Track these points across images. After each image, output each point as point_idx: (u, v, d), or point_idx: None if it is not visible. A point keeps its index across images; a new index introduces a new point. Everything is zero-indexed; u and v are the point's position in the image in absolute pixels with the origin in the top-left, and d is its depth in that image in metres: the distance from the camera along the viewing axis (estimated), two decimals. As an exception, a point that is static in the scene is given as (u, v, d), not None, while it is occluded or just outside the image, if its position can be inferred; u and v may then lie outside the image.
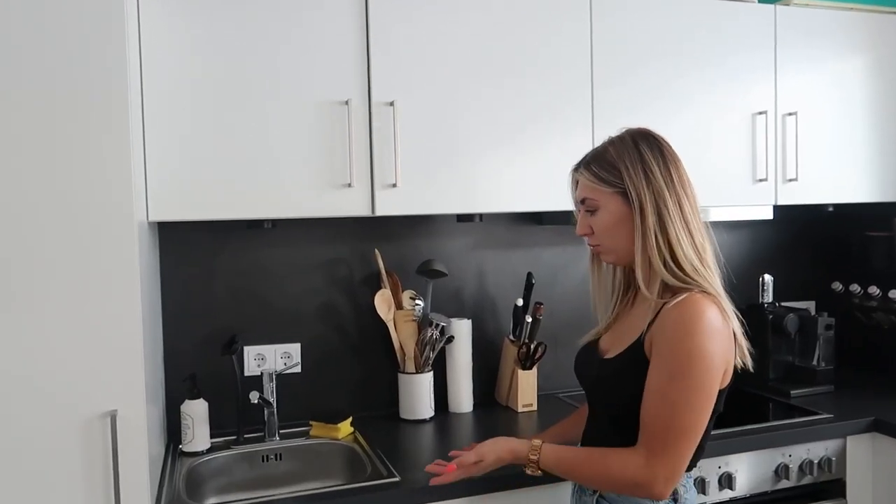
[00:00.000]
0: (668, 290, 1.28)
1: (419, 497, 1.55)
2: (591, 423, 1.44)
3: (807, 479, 1.91)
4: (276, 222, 1.83)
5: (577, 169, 1.38)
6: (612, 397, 1.35)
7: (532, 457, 1.34)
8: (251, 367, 2.00)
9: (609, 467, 1.26)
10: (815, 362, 2.25)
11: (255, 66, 1.66)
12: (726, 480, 1.81)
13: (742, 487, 1.84)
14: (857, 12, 2.22)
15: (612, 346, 1.37)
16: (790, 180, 2.15)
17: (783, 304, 2.39)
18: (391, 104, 1.74)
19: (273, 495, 1.54)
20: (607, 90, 1.94)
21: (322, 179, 1.72)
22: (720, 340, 1.23)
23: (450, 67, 1.80)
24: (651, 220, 1.27)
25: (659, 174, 1.28)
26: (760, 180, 2.12)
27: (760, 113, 2.10)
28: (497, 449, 1.42)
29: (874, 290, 2.41)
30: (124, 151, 1.34)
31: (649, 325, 1.27)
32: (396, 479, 1.60)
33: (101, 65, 1.32)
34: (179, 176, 1.62)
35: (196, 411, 1.82)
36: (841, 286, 2.52)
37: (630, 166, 1.29)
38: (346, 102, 1.71)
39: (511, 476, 1.59)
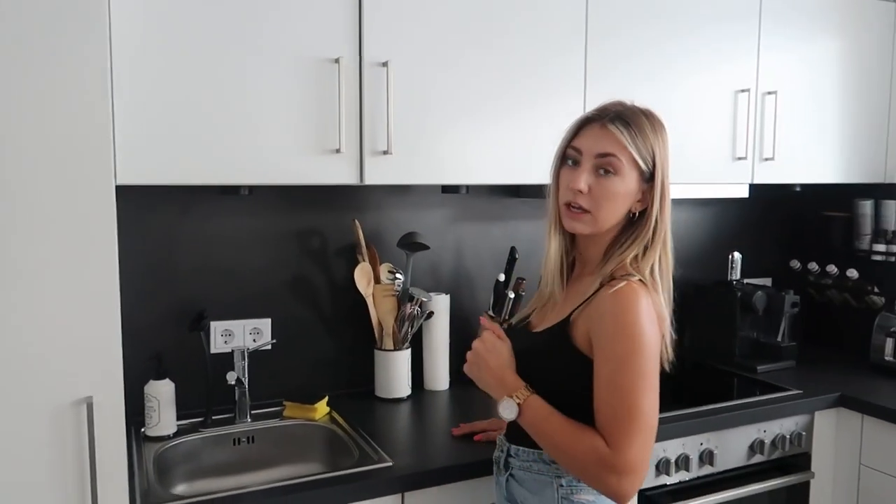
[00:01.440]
0: (609, 276, 1.23)
1: (417, 482, 1.48)
2: None
3: (777, 454, 1.96)
4: (252, 189, 1.68)
5: (610, 120, 1.22)
6: (536, 372, 1.28)
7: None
8: (218, 344, 1.86)
9: (580, 443, 1.17)
10: (779, 339, 2.31)
11: (235, 15, 1.50)
12: (707, 457, 1.83)
13: (721, 463, 1.87)
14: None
15: (543, 322, 1.32)
16: (767, 159, 2.16)
17: (745, 281, 2.44)
18: (384, 65, 1.62)
19: (259, 484, 1.43)
20: (601, 75, 1.88)
21: (308, 144, 1.58)
22: (654, 324, 1.19)
23: (448, 27, 1.69)
24: (655, 210, 1.23)
25: (668, 166, 1.24)
26: (740, 158, 2.12)
27: (743, 91, 2.10)
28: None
29: (832, 268, 2.49)
30: (103, 106, 1.18)
31: (582, 304, 1.23)
32: (389, 463, 1.52)
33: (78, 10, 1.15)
34: (150, 137, 1.45)
35: (162, 393, 1.68)
36: (799, 264, 2.59)
37: (661, 148, 1.23)
38: (337, 60, 1.58)
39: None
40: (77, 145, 1.18)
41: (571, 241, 1.34)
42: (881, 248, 2.39)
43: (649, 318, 1.17)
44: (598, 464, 1.15)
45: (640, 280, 1.20)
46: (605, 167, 1.22)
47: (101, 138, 1.19)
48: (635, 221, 1.26)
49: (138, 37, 1.42)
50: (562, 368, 1.25)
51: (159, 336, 1.79)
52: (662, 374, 1.23)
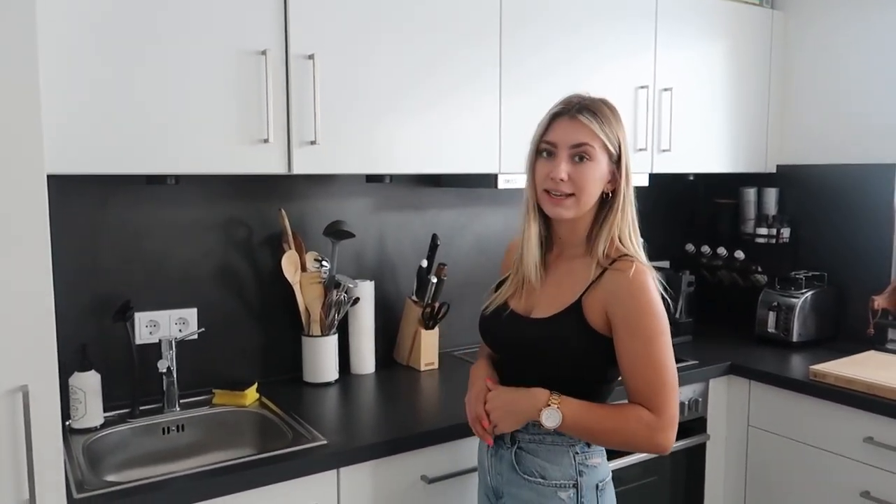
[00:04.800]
0: (606, 258, 1.33)
1: (351, 457, 1.55)
2: (516, 384, 1.39)
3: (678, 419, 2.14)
4: (178, 178, 1.69)
5: (579, 111, 1.32)
6: (548, 357, 1.35)
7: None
8: (143, 335, 1.86)
9: (629, 421, 1.29)
10: (677, 315, 2.51)
11: (163, 6, 1.51)
12: (617, 424, 1.99)
13: (628, 429, 2.03)
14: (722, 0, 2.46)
15: (541, 307, 1.38)
16: (664, 151, 2.35)
17: (647, 263, 2.63)
18: (310, 57, 1.67)
19: (193, 468, 1.46)
20: (515, 62, 2.00)
21: (237, 134, 1.62)
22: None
23: (371, 20, 1.76)
24: (631, 189, 1.35)
25: (627, 149, 1.36)
26: (640, 150, 2.29)
27: (642, 87, 2.27)
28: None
29: (722, 250, 2.72)
30: (31, 96, 1.18)
31: (588, 287, 1.32)
32: (324, 441, 1.58)
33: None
34: (78, 126, 1.45)
35: (88, 384, 1.67)
36: (693, 247, 2.82)
37: (621, 132, 1.34)
38: (264, 53, 1.61)
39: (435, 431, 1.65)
40: (6, 134, 1.17)
41: (545, 226, 1.42)
42: (763, 231, 2.64)
43: (658, 295, 1.31)
44: (648, 431, 1.28)
45: (640, 258, 1.32)
46: (580, 155, 1.32)
47: (30, 127, 1.19)
48: (608, 202, 1.36)
49: (64, 26, 1.42)
50: (581, 349, 1.33)
51: (83, 327, 1.77)
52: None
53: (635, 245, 1.35)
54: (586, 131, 1.31)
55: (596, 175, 1.32)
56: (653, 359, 1.29)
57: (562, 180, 1.31)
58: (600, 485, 1.37)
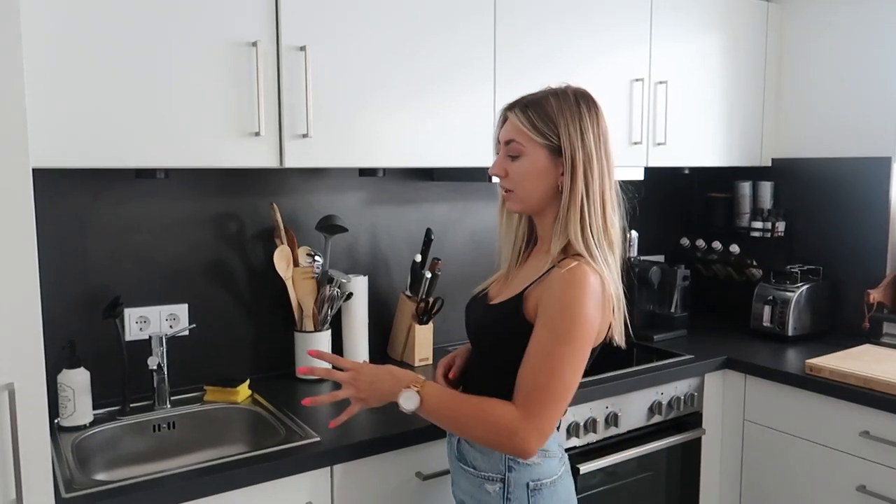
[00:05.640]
0: (562, 253, 1.29)
1: (345, 454, 1.53)
2: (473, 367, 1.45)
3: (673, 414, 2.14)
4: (168, 172, 1.66)
5: (511, 108, 1.33)
6: (490, 342, 1.36)
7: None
8: (133, 331, 1.83)
9: (486, 413, 1.23)
10: (672, 310, 2.50)
11: (151, -4, 1.49)
12: (612, 419, 1.98)
13: (624, 425, 2.02)
14: (717, -8, 2.45)
15: (500, 294, 1.38)
16: (659, 144, 2.33)
17: (641, 258, 2.62)
18: (302, 49, 1.64)
19: (184, 466, 1.44)
20: (509, 51, 1.97)
21: (228, 127, 1.58)
22: (598, 307, 1.25)
23: (361, 9, 1.73)
24: (580, 182, 1.27)
25: (591, 140, 1.28)
26: (635, 143, 2.28)
27: (637, 80, 2.25)
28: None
29: (717, 244, 2.71)
30: (16, 88, 1.15)
31: (535, 280, 1.29)
32: (316, 438, 1.56)
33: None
34: (65, 119, 1.41)
35: (77, 381, 1.64)
36: (688, 241, 2.81)
37: (570, 124, 1.27)
38: (254, 44, 1.59)
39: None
40: (-10, 125, 1.14)
41: (530, 220, 1.41)
42: (758, 225, 2.63)
43: (593, 300, 1.23)
44: (507, 432, 1.21)
45: (589, 259, 1.25)
46: (510, 153, 1.32)
47: (15, 120, 1.16)
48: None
49: (49, 18, 1.38)
50: (513, 341, 1.28)
51: (72, 324, 1.74)
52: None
53: (593, 245, 1.26)
54: (511, 128, 1.32)
55: (529, 170, 1.30)
56: (553, 360, 1.22)
57: (499, 176, 1.34)
58: (533, 484, 1.31)
